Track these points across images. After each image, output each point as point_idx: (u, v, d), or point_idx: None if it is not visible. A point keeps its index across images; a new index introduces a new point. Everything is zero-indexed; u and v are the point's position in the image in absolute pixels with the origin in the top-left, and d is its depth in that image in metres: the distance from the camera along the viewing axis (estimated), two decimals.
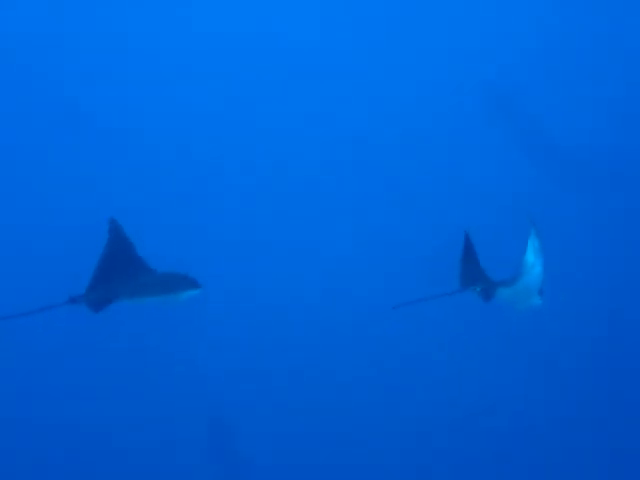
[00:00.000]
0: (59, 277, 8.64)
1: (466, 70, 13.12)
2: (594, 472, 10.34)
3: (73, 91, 13.11)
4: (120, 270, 7.39)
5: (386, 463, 10.51)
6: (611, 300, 11.34)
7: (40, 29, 13.62)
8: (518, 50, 13.22)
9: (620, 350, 11.01)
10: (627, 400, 10.72)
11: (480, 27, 13.44)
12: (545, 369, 10.89)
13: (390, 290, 11.21)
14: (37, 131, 12.75)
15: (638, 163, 12.29)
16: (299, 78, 13.17)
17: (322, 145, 12.74)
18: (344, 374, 10.87)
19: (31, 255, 11.64)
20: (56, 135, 12.69)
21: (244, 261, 11.55)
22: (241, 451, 10.73)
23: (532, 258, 7.82)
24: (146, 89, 13.27)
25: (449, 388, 10.80)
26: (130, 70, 13.41)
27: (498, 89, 13.05)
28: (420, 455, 10.47)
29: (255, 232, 11.89)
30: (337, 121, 12.81)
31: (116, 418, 10.60)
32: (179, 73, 13.45)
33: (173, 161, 12.53)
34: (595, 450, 10.44)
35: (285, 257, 11.63)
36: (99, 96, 13.05)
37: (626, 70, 13.08)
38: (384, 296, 11.24)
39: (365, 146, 12.49)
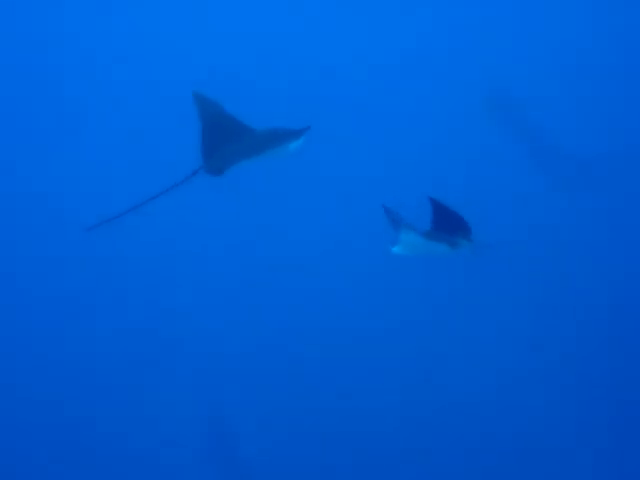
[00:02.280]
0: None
1: (466, 70, 13.12)
2: (594, 472, 10.35)
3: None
4: (225, 134, 7.61)
5: (386, 463, 10.51)
6: (611, 300, 11.34)
7: (40, 28, 13.64)
8: (518, 50, 13.22)
9: (620, 350, 11.00)
10: (627, 400, 10.73)
11: (480, 27, 13.44)
12: (545, 370, 10.89)
13: (390, 290, 11.24)
14: None
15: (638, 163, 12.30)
16: (298, 78, 13.16)
17: (322, 144, 12.72)
18: (345, 374, 10.87)
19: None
20: None
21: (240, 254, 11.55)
22: (241, 451, 10.72)
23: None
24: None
25: (449, 388, 10.81)
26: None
27: (498, 89, 13.05)
28: (420, 455, 10.46)
29: None
30: (337, 121, 12.78)
31: (116, 418, 10.62)
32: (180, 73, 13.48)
33: None
34: (595, 450, 10.44)
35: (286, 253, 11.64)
36: None
37: (627, 70, 13.08)
38: (384, 296, 11.29)
39: (365, 146, 12.48)
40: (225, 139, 7.51)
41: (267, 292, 11.23)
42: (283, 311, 11.08)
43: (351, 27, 13.38)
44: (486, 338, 11.00)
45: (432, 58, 13.23)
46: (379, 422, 10.62)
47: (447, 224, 7.42)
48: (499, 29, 13.33)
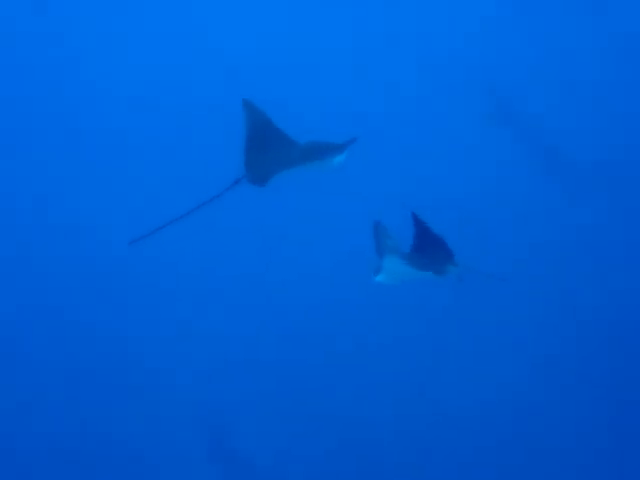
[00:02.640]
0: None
1: (466, 70, 13.13)
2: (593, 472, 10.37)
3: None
4: (268, 144, 7.61)
5: (386, 463, 10.53)
6: (611, 300, 11.35)
7: (41, 28, 13.65)
8: (518, 50, 13.22)
9: (620, 351, 11.01)
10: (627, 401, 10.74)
11: (480, 27, 13.46)
12: (545, 370, 10.91)
13: (390, 291, 11.24)
14: None
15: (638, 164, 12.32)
16: (297, 78, 13.18)
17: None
18: (346, 374, 10.89)
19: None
20: None
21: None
22: (241, 451, 10.75)
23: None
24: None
25: (449, 388, 10.83)
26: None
27: (498, 89, 13.06)
28: (421, 455, 10.48)
29: None
30: (336, 122, 12.79)
31: (115, 418, 10.64)
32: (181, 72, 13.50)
33: None
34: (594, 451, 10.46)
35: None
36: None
37: (627, 70, 13.09)
38: (384, 297, 11.29)
39: (364, 146, 12.48)
40: (269, 149, 7.54)
41: (276, 297, 11.25)
42: (290, 316, 11.11)
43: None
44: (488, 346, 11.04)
45: (432, 58, 13.27)
46: (381, 422, 10.65)
47: (430, 247, 7.20)
48: (501, 34, 13.35)
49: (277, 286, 11.37)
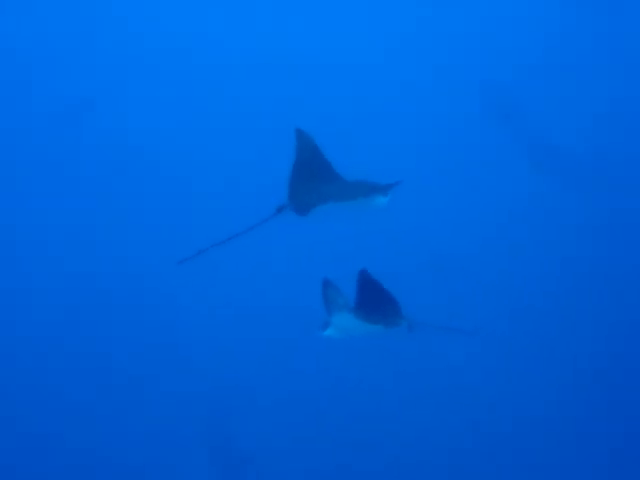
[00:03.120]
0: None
1: (466, 70, 13.13)
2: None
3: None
4: (315, 176, 7.55)
5: (386, 463, 10.53)
6: (611, 300, 11.35)
7: (41, 27, 13.67)
8: (518, 50, 13.22)
9: (620, 351, 11.00)
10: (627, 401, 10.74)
11: (480, 27, 13.45)
12: (545, 371, 10.91)
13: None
14: None
15: (638, 164, 12.31)
16: (297, 79, 13.18)
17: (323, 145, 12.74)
18: (345, 374, 10.89)
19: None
20: None
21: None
22: (241, 451, 10.75)
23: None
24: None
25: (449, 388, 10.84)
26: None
27: (498, 90, 13.06)
28: (420, 455, 10.48)
29: None
30: (336, 122, 12.81)
31: (116, 418, 10.65)
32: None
33: None
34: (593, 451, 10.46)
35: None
36: None
37: (627, 70, 13.08)
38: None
39: (363, 148, 12.50)
40: (316, 180, 7.44)
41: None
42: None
43: None
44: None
45: (432, 58, 13.28)
46: (380, 422, 10.65)
47: (377, 302, 7.09)
48: (499, 32, 13.35)
49: (283, 292, 11.41)
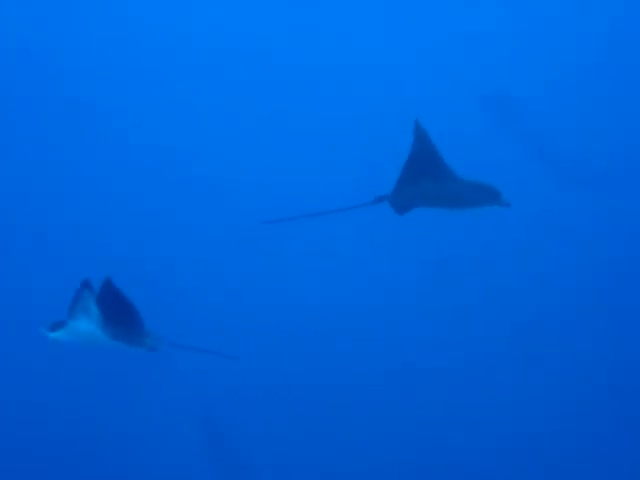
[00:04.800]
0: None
1: (466, 72, 13.13)
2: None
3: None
4: (426, 174, 7.21)
5: (386, 463, 10.52)
6: (611, 300, 11.35)
7: (42, 26, 13.66)
8: (519, 51, 13.22)
9: (620, 352, 11.00)
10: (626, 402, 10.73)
11: (480, 29, 13.45)
12: (545, 372, 10.90)
13: (390, 291, 11.25)
14: None
15: (638, 163, 12.31)
16: (297, 81, 13.19)
17: (323, 146, 12.76)
18: (345, 373, 10.88)
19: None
20: None
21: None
22: (241, 451, 10.74)
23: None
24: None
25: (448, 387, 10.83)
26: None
27: (498, 90, 13.06)
28: (420, 455, 10.48)
29: None
30: (337, 123, 12.82)
31: (113, 417, 10.64)
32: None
33: None
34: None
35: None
36: None
37: (627, 71, 13.08)
38: (384, 298, 11.31)
39: (364, 149, 12.50)
40: (424, 177, 7.13)
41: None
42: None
43: None
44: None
45: (432, 60, 13.27)
46: (380, 422, 10.64)
47: (119, 315, 6.75)
48: (499, 31, 13.34)
49: (282, 292, 11.41)
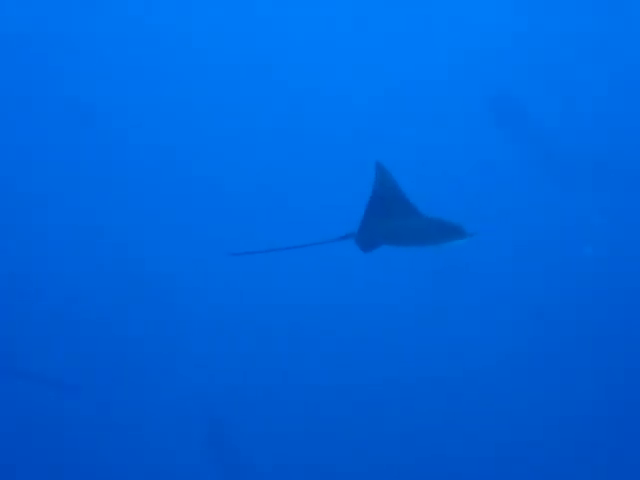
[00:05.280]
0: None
1: (468, 72, 13.13)
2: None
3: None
4: (390, 213, 7.34)
5: (386, 463, 10.52)
6: (612, 300, 11.34)
7: (42, 26, 13.69)
8: (520, 52, 13.22)
9: (620, 352, 10.99)
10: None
11: (481, 29, 13.46)
12: (545, 373, 10.90)
13: (389, 292, 11.25)
14: None
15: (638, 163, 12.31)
16: (298, 82, 13.20)
17: (324, 146, 12.77)
18: (345, 373, 10.89)
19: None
20: None
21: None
22: (241, 451, 10.75)
23: None
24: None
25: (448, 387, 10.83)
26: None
27: (500, 91, 13.07)
28: (419, 456, 10.47)
29: None
30: (338, 122, 12.83)
31: (115, 416, 10.65)
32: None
33: None
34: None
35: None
36: None
37: (627, 71, 13.07)
38: (384, 298, 11.31)
39: (364, 147, 12.50)
40: (389, 216, 7.19)
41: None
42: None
43: None
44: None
45: (434, 60, 13.27)
46: (379, 422, 10.65)
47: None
48: (500, 31, 13.35)
49: (282, 292, 11.43)
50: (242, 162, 12.59)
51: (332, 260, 11.10)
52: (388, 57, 13.51)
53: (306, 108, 12.95)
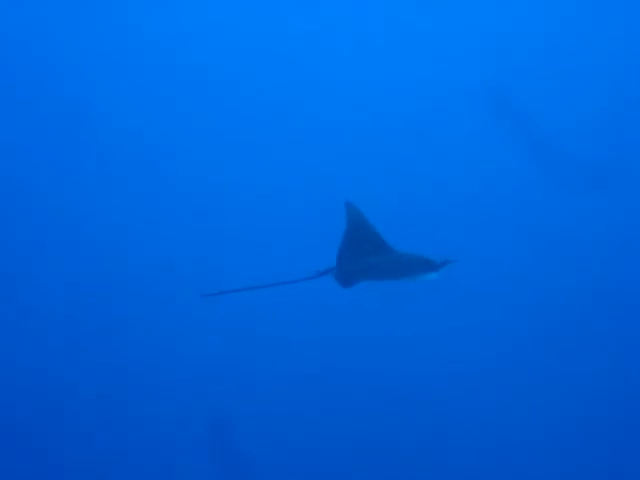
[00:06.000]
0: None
1: (465, 68, 13.13)
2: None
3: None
4: (364, 251, 7.54)
5: (386, 463, 10.52)
6: (612, 301, 11.34)
7: (42, 27, 13.69)
8: (518, 48, 13.22)
9: (621, 352, 11.00)
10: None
11: (479, 25, 13.46)
12: (546, 373, 10.91)
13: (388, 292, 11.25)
14: None
15: (638, 162, 12.30)
16: (297, 80, 13.19)
17: (323, 142, 12.77)
18: (345, 373, 10.89)
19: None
20: None
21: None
22: (241, 451, 10.75)
23: None
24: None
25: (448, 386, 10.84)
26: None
27: (498, 88, 13.06)
28: (419, 456, 10.48)
29: None
30: (337, 121, 12.82)
31: (115, 417, 10.65)
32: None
33: None
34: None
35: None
36: None
37: (627, 69, 13.08)
38: (385, 297, 11.28)
39: (364, 146, 12.50)
40: (364, 254, 7.44)
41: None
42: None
43: None
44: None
45: (432, 57, 13.27)
46: (380, 422, 10.65)
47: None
48: (498, 27, 13.35)
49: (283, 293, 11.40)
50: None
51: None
52: (387, 57, 13.54)
53: (290, 108, 12.96)
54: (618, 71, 13.06)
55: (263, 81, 13.23)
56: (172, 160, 12.68)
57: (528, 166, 12.31)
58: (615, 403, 10.73)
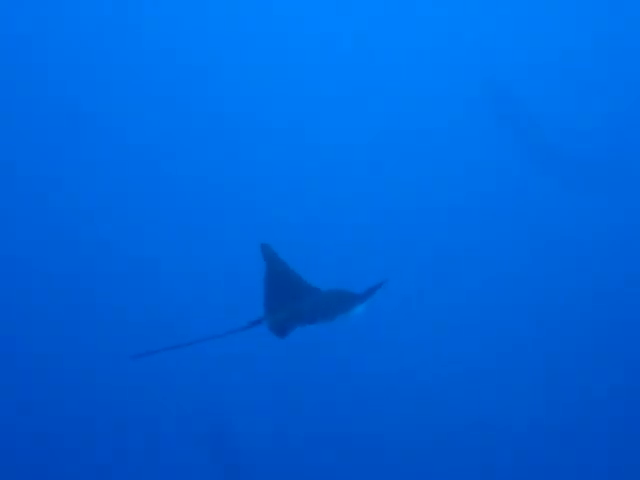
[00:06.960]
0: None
1: (465, 67, 13.13)
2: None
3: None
4: (289, 296, 7.28)
5: (386, 463, 10.52)
6: (612, 301, 11.34)
7: (43, 28, 13.68)
8: (518, 48, 13.22)
9: (621, 352, 10.99)
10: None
11: (479, 24, 13.46)
12: (546, 373, 10.91)
13: (389, 292, 11.24)
14: None
15: (638, 162, 12.30)
16: (297, 79, 13.19)
17: (322, 142, 12.78)
18: (345, 373, 10.89)
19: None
20: None
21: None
22: (241, 451, 10.75)
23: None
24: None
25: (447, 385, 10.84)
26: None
27: (497, 87, 13.06)
28: (419, 456, 10.47)
29: None
30: (336, 121, 12.82)
31: (114, 417, 10.64)
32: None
33: None
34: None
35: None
36: None
37: (627, 68, 13.08)
38: (385, 298, 11.28)
39: (363, 146, 12.50)
40: (288, 298, 7.16)
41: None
42: None
43: None
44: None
45: (431, 55, 13.27)
46: (381, 422, 10.65)
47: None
48: (498, 26, 13.35)
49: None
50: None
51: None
52: (387, 57, 13.53)
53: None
54: (618, 71, 13.06)
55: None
56: None
57: (528, 166, 12.32)
58: (615, 403, 10.71)
